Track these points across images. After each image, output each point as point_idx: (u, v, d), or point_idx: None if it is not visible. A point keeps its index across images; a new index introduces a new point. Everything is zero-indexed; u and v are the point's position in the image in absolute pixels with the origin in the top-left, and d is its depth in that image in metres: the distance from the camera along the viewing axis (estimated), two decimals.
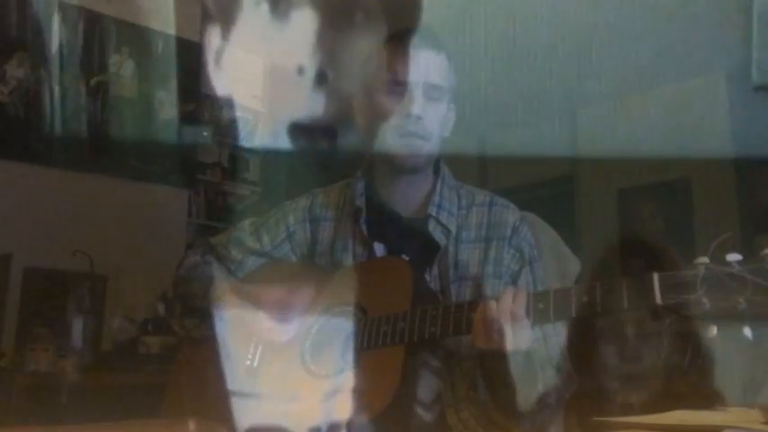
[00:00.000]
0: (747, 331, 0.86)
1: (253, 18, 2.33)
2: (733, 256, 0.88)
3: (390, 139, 1.20)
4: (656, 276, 0.91)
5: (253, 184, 3.23)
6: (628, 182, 2.23)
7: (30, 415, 2.09)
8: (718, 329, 0.88)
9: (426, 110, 1.19)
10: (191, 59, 2.89)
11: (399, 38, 1.21)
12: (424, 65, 1.19)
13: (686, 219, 2.06)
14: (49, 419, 2.02)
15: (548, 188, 2.36)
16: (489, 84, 2.28)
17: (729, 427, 0.88)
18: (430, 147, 1.23)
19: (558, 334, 1.14)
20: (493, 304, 1.00)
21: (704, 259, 0.89)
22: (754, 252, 0.88)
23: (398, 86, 1.19)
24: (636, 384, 1.41)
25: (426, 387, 1.11)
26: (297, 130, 2.70)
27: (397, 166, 1.23)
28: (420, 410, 1.11)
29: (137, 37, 2.83)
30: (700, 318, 0.88)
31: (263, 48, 2.79)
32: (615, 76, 2.20)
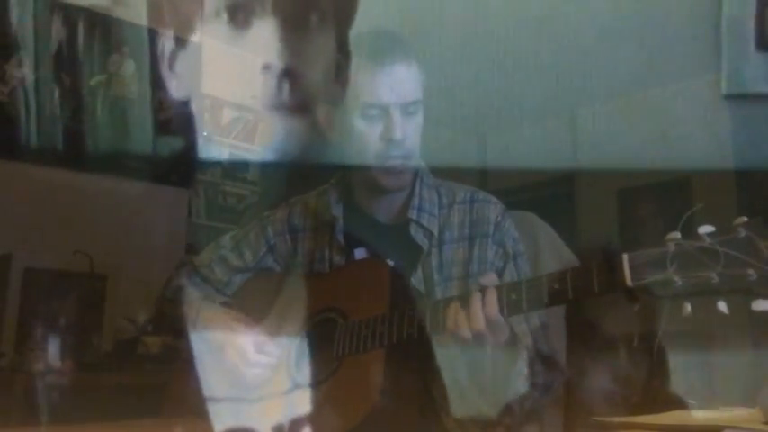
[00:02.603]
0: (722, 306, 0.84)
1: (212, 28, 2.34)
2: (705, 229, 0.86)
3: (372, 163, 1.18)
4: (625, 257, 0.89)
5: (253, 184, 3.22)
6: (628, 182, 2.23)
7: (30, 415, 2.09)
8: (692, 307, 0.86)
9: (405, 129, 1.17)
10: (191, 59, 2.88)
11: (372, 58, 1.17)
12: (399, 83, 1.16)
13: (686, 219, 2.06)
14: (49, 419, 2.01)
15: (548, 188, 2.36)
16: (489, 84, 2.27)
17: (729, 427, 0.88)
18: (412, 163, 1.22)
19: (545, 324, 1.14)
20: (462, 313, 0.99)
21: (675, 234, 0.87)
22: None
23: (374, 110, 1.16)
24: (616, 380, 1.41)
25: (415, 390, 1.11)
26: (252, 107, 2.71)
27: (381, 188, 1.21)
28: (408, 414, 1.10)
29: (136, 37, 2.83)
30: (672, 297, 0.86)
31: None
32: (615, 77, 2.20)
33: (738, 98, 1.89)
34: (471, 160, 2.44)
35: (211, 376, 1.13)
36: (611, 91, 2.16)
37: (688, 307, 0.85)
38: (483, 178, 2.43)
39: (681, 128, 2.00)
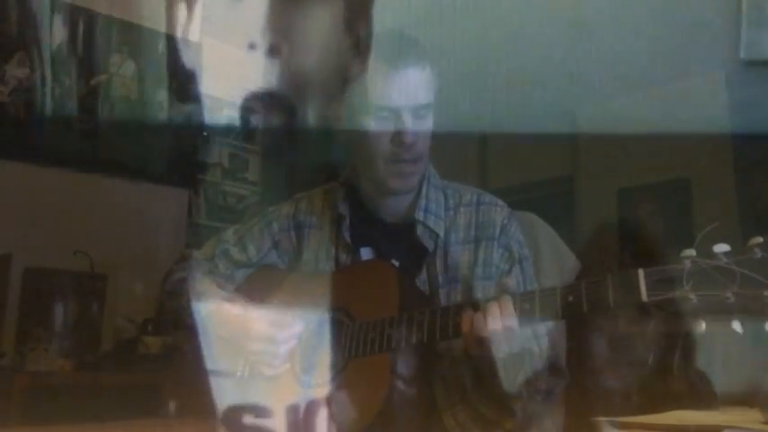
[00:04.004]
0: (737, 325, 0.84)
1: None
2: (720, 248, 0.85)
3: (382, 166, 1.17)
4: (641, 272, 0.89)
5: (253, 184, 3.22)
6: (628, 182, 2.23)
7: (30, 415, 2.09)
8: (707, 325, 0.86)
9: (416, 132, 1.16)
10: (192, 59, 2.89)
11: (385, 60, 1.16)
12: (412, 86, 1.15)
13: (686, 219, 2.06)
14: (49, 419, 2.01)
15: (548, 188, 2.36)
16: (489, 84, 2.28)
17: (729, 427, 0.88)
18: (422, 166, 1.21)
19: (549, 331, 1.14)
20: (480, 319, 0.99)
21: (691, 252, 0.87)
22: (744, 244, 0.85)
23: (386, 112, 1.15)
24: (626, 384, 1.41)
25: (418, 392, 1.10)
26: (251, 104, 2.71)
27: (389, 190, 1.21)
28: (412, 416, 1.10)
29: (137, 37, 2.83)
30: (687, 314, 0.86)
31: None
32: (614, 76, 2.20)
33: (757, 64, 1.90)
34: (472, 159, 2.44)
35: (216, 369, 1.13)
36: (615, 79, 2.15)
37: (702, 324, 0.85)
38: (483, 178, 2.43)
39: (697, 95, 1.99)
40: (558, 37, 2.27)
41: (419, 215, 1.20)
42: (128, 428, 1.31)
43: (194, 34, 2.87)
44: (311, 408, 1.07)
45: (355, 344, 1.09)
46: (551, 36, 2.27)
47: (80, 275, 2.48)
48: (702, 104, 2.03)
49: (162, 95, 2.87)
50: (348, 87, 1.18)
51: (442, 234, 1.20)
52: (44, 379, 2.16)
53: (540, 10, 2.27)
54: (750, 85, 1.92)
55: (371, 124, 1.15)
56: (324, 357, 1.11)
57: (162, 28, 2.84)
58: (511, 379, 1.03)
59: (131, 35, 2.81)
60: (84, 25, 2.70)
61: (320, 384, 1.09)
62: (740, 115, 1.91)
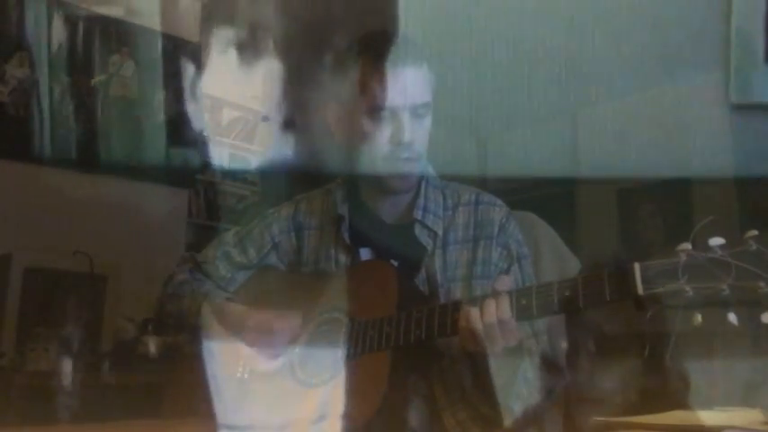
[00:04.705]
0: (732, 317, 0.85)
1: (220, 63, 2.36)
2: (715, 241, 0.86)
3: (380, 165, 1.18)
4: (637, 266, 0.89)
5: (253, 184, 3.22)
6: (628, 182, 2.23)
7: (30, 415, 2.09)
8: (705, 320, 0.87)
9: (414, 131, 1.16)
10: (191, 60, 2.89)
11: (382, 61, 1.16)
12: (410, 85, 1.16)
13: (686, 219, 2.06)
14: (49, 419, 2.01)
15: (548, 188, 2.36)
16: (489, 84, 2.27)
17: (729, 427, 0.88)
18: (420, 165, 1.22)
19: (548, 329, 1.14)
20: (476, 313, 0.99)
21: (686, 245, 0.87)
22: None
23: (384, 111, 1.16)
24: (623, 382, 1.41)
25: (418, 391, 1.11)
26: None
27: (388, 189, 1.21)
28: (411, 415, 1.10)
29: (137, 37, 2.83)
30: (683, 306, 0.86)
31: (228, 95, 2.84)
32: (615, 77, 2.20)
33: (747, 108, 1.91)
34: (471, 159, 2.44)
35: (217, 370, 1.14)
36: (613, 95, 2.16)
37: (699, 317, 0.86)
38: (483, 178, 2.43)
39: (687, 135, 2.01)
40: (559, 38, 2.27)
41: (418, 214, 1.20)
42: (128, 428, 1.31)
43: (194, 34, 2.87)
44: (311, 407, 1.07)
45: (354, 343, 1.10)
46: (552, 37, 2.27)
47: (80, 275, 2.48)
48: (703, 106, 2.03)
49: (161, 95, 2.87)
50: (363, 145, 1.19)
51: (440, 233, 1.20)
52: (44, 379, 2.16)
53: (541, 12, 2.27)
54: (739, 128, 1.94)
55: (369, 125, 1.16)
56: (323, 357, 1.12)
57: (161, 28, 2.85)
58: (509, 377, 1.04)
59: (131, 35, 2.81)
60: (83, 25, 2.70)
61: (320, 384, 1.10)
62: (731, 158, 1.93)
